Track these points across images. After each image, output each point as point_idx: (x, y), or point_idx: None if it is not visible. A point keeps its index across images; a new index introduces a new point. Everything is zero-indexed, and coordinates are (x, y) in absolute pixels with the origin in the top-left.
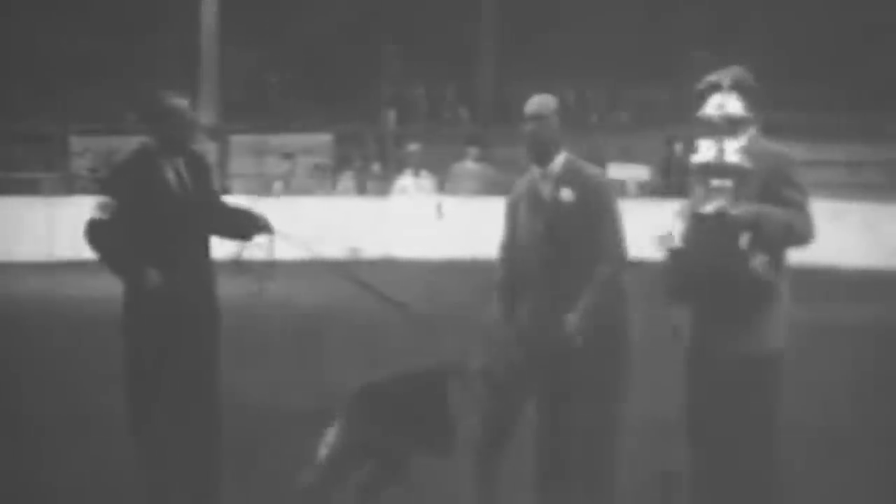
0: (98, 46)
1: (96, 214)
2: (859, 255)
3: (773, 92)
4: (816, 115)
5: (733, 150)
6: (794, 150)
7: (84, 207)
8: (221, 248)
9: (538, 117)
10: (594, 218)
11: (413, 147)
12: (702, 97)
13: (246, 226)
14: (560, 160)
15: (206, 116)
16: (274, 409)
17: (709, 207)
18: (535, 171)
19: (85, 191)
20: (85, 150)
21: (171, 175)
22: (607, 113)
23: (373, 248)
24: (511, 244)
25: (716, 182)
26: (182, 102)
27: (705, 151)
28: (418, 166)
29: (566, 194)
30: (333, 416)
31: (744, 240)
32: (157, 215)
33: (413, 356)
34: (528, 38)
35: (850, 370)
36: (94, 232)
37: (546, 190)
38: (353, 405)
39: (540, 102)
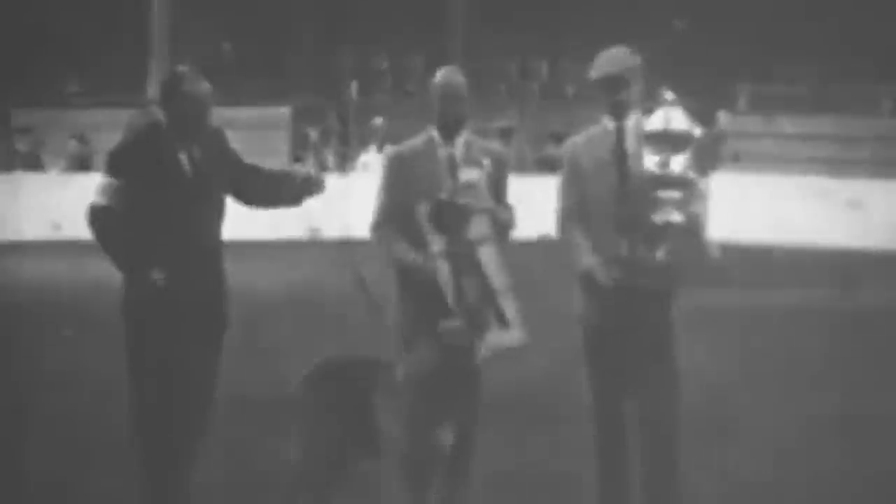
0: (44, 17)
1: (99, 199)
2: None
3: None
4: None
5: (678, 162)
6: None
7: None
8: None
9: (458, 98)
10: (494, 190)
11: (377, 121)
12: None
13: (289, 189)
14: (462, 139)
15: (156, 90)
16: (229, 397)
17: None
18: (435, 138)
19: (24, 167)
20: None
21: (184, 157)
22: (582, 84)
23: (333, 228)
24: (392, 209)
25: (663, 194)
26: (198, 82)
27: (649, 163)
28: (382, 141)
29: (468, 174)
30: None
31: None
32: (165, 201)
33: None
34: (500, 6)
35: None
36: (97, 219)
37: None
38: (305, 396)
39: (458, 82)
